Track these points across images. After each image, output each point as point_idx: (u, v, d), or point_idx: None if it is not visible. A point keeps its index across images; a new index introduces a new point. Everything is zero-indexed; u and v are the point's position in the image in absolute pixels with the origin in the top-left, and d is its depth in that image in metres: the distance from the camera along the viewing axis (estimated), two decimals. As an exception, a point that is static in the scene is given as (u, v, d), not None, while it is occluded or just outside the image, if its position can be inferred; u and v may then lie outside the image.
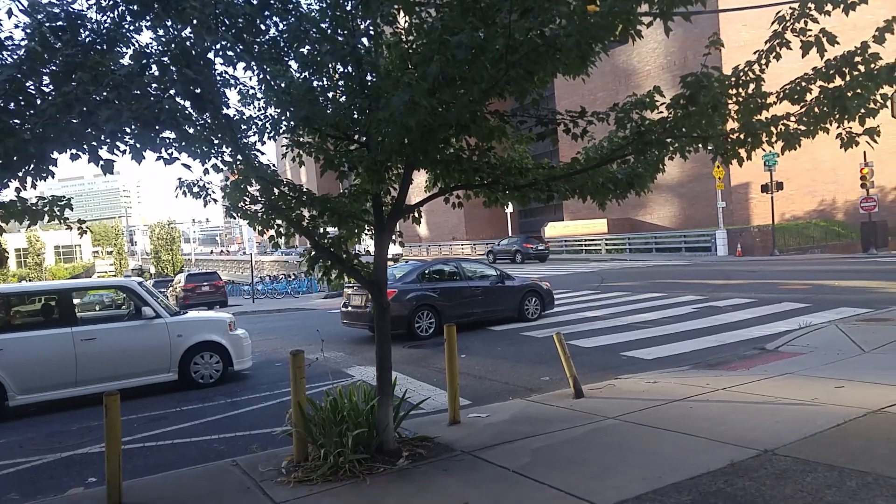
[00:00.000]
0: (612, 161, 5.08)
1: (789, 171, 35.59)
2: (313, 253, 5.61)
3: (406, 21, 4.80)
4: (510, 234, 53.19)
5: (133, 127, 3.98)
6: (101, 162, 3.87)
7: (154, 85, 4.02)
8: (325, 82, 4.92)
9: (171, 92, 4.00)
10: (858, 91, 4.29)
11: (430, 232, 65.00)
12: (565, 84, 41.93)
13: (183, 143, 4.30)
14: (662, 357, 9.64)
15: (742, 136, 4.58)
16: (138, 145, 4.08)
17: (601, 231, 44.27)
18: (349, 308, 13.85)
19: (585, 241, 44.52)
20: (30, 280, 66.79)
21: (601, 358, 9.88)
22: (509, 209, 43.42)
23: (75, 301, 9.72)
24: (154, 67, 3.97)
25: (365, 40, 5.17)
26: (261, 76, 4.72)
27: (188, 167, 4.27)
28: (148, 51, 4.36)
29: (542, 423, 6.17)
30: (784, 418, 5.68)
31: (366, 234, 5.85)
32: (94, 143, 3.99)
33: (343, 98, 4.91)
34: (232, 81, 5.08)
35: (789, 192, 36.65)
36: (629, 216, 45.17)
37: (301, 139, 5.74)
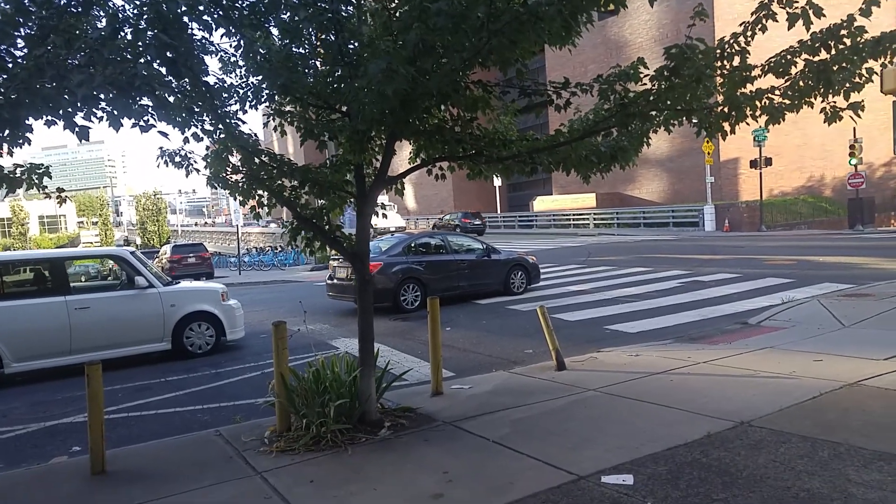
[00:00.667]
0: (595, 133, 5.04)
1: (778, 147, 35.69)
2: (295, 224, 5.58)
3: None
4: (498, 208, 53.23)
5: (109, 93, 3.90)
6: (77, 128, 3.80)
7: (129, 49, 3.92)
8: (306, 49, 4.84)
9: (148, 57, 3.91)
10: (844, 65, 4.27)
11: (419, 205, 64.87)
12: (556, 55, 41.63)
13: (161, 111, 4.22)
14: (646, 331, 9.71)
15: (726, 110, 4.55)
16: (115, 112, 4.01)
17: (590, 205, 44.34)
18: (334, 280, 13.85)
19: (574, 215, 44.59)
20: (14, 250, 66.14)
21: (585, 331, 9.94)
22: (497, 182, 43.40)
23: (69, 270, 9.67)
24: (127, 31, 3.88)
25: (350, 8, 5.08)
26: (238, 42, 4.63)
27: (165, 135, 4.21)
28: (124, 14, 4.26)
29: (524, 394, 6.22)
30: (762, 391, 5.75)
31: (348, 205, 5.81)
32: (70, 109, 3.91)
33: (323, 66, 4.83)
34: (212, 48, 4.99)
35: (778, 168, 36.77)
36: (618, 190, 45.25)
37: (283, 108, 5.66)
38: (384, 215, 6.01)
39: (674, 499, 3.72)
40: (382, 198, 50.15)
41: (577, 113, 5.37)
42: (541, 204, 50.34)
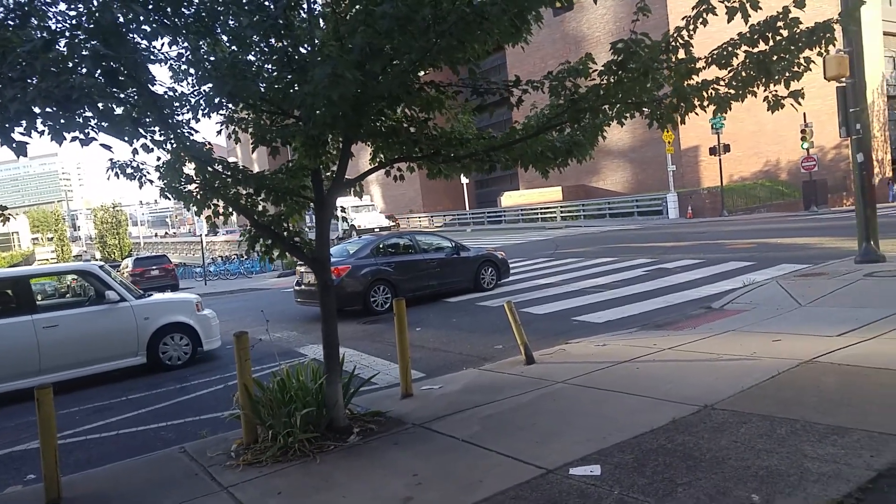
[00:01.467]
0: (549, 129, 5.07)
1: (735, 134, 36.35)
2: (253, 232, 5.51)
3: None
4: (467, 205, 53.35)
5: (47, 107, 3.79)
6: (14, 144, 3.68)
7: (65, 62, 3.80)
8: (254, 56, 4.76)
9: (84, 69, 3.79)
10: (782, 55, 4.37)
11: (387, 205, 64.59)
12: (516, 52, 41.84)
13: (104, 123, 4.11)
14: (613, 320, 9.83)
15: (675, 101, 4.63)
16: (57, 126, 3.90)
17: (556, 199, 44.68)
18: (303, 286, 13.72)
19: (541, 209, 44.88)
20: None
21: (553, 324, 10.02)
22: (465, 180, 43.54)
23: (34, 288, 9.44)
24: (62, 43, 3.77)
25: (302, 13, 5.03)
26: (182, 51, 4.54)
27: (108, 147, 4.09)
28: (61, 25, 4.15)
29: (493, 391, 6.24)
30: (724, 374, 5.86)
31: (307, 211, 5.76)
32: (7, 125, 3.79)
33: (273, 72, 4.76)
34: (161, 56, 4.88)
35: (736, 154, 37.47)
36: (583, 183, 45.67)
37: (236, 115, 5.59)
38: (344, 219, 5.96)
39: (640, 486, 3.76)
40: (365, 198, 50.07)
41: (533, 109, 5.42)
42: (508, 199, 50.56)
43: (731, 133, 34.89)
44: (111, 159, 5.37)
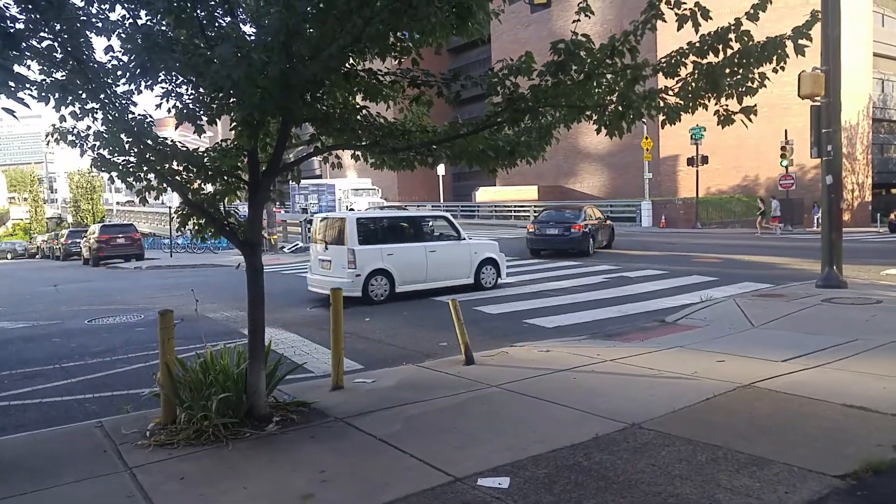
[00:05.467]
0: (487, 128, 4.93)
1: (715, 146, 36.52)
2: (186, 210, 5.31)
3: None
4: (441, 197, 53.14)
5: None
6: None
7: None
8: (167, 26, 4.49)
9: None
10: (736, 69, 4.25)
11: (365, 190, 64.07)
12: (502, 48, 41.65)
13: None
14: (564, 325, 9.74)
15: (620, 108, 4.50)
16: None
17: (531, 198, 44.58)
18: (536, 236, 20.89)
19: (515, 207, 44.67)
20: None
21: (504, 325, 9.92)
22: (441, 171, 43.19)
23: (421, 225, 13.89)
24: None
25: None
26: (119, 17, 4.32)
27: (11, 112, 3.84)
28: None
29: (426, 389, 6.11)
30: (660, 392, 5.74)
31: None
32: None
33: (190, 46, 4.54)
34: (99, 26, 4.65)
35: (715, 167, 37.66)
36: (560, 184, 45.74)
37: (176, 89, 5.34)
38: (277, 203, 5.76)
39: (545, 504, 3.64)
40: (364, 180, 48.42)
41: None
42: (483, 195, 50.42)
43: (711, 144, 35.05)
44: (53, 125, 5.19)
